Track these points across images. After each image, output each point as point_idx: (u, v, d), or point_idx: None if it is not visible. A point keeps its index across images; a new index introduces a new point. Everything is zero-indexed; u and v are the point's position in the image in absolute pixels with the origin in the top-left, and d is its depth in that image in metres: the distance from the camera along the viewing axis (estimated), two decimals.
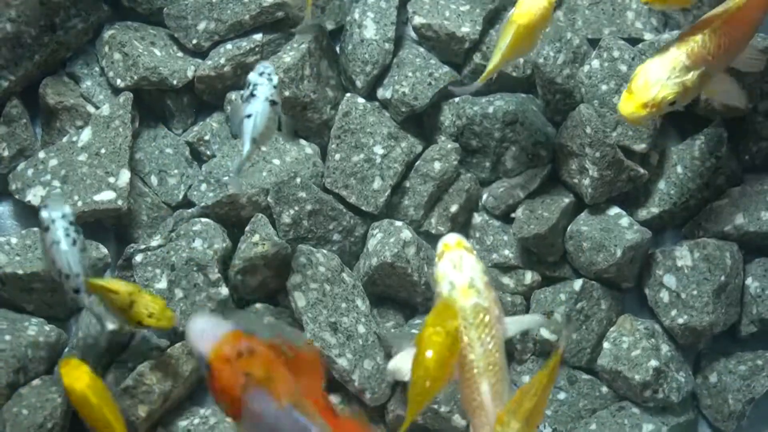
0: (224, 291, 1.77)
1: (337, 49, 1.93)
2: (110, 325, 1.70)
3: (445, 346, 1.43)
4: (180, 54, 1.91)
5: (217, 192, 1.80)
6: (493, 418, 1.46)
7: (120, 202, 1.78)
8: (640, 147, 1.81)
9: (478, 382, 1.48)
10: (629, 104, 1.58)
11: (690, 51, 1.60)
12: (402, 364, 1.54)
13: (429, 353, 1.42)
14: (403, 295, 1.83)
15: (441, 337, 1.43)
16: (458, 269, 1.53)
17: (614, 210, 1.82)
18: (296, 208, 1.79)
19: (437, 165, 1.83)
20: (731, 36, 1.62)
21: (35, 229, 1.80)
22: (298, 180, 1.79)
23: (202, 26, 1.88)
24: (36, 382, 1.72)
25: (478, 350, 1.50)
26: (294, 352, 1.36)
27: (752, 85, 1.81)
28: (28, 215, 1.85)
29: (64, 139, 1.82)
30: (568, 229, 1.82)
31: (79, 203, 1.77)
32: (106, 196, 1.78)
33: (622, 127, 1.79)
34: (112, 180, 1.79)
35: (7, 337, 1.72)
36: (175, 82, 1.86)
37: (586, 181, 1.79)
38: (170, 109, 1.90)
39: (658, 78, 1.59)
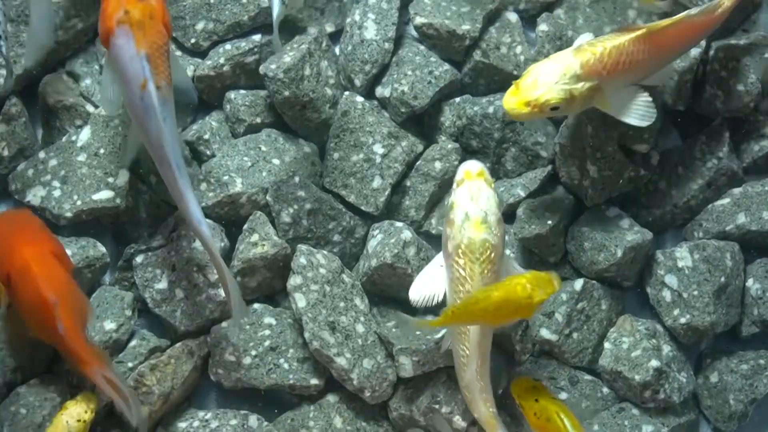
0: (223, 292, 1.77)
1: (337, 50, 1.93)
2: None
3: (517, 304, 1.52)
4: (179, 53, 1.91)
5: (217, 191, 1.80)
6: (482, 351, 1.58)
7: (118, 201, 1.78)
8: (641, 147, 1.80)
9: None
10: (512, 99, 1.61)
11: (585, 61, 1.61)
12: (425, 285, 1.64)
13: (507, 295, 1.51)
14: (403, 295, 1.82)
15: (526, 294, 1.51)
16: (475, 201, 1.57)
17: (614, 211, 1.82)
18: (295, 206, 1.79)
19: (438, 165, 1.83)
20: (635, 57, 1.63)
21: None
22: (297, 179, 1.79)
23: (200, 26, 1.88)
24: (34, 381, 1.72)
25: (477, 284, 1.56)
26: None
27: (753, 84, 1.81)
28: None
29: (64, 139, 1.82)
30: (570, 229, 1.81)
31: (78, 202, 1.77)
32: (105, 195, 1.78)
33: (623, 126, 1.78)
34: (111, 180, 1.79)
35: (4, 336, 1.72)
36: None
37: (586, 182, 1.78)
38: None
39: (546, 80, 1.60)
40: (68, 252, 1.76)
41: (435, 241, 1.86)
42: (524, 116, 1.62)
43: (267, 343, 1.76)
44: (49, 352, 1.76)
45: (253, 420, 1.75)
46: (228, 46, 1.88)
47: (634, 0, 1.89)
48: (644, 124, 1.68)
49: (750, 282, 1.79)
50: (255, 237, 1.77)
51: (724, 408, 1.77)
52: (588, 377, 1.80)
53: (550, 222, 1.78)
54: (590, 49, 1.62)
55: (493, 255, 1.56)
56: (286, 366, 1.75)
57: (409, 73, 1.85)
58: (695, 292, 1.76)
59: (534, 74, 1.61)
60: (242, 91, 1.88)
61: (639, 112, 1.67)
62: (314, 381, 1.75)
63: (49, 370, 1.77)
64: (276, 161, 1.84)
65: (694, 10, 1.65)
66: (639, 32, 1.63)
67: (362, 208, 1.83)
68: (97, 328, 1.74)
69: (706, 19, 1.67)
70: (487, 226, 1.56)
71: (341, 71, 1.90)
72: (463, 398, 1.66)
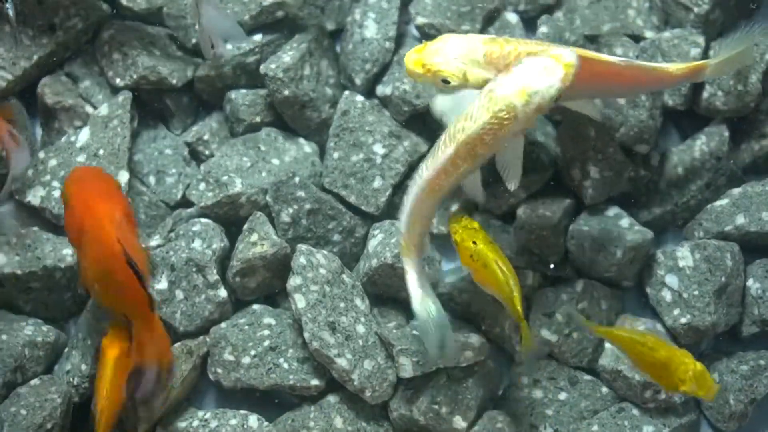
0: (222, 293, 1.77)
1: (338, 49, 1.93)
2: None
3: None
4: (179, 53, 1.91)
5: (216, 192, 1.80)
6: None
7: None
8: (641, 148, 1.80)
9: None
10: (414, 56, 1.61)
11: (489, 52, 1.60)
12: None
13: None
14: (403, 296, 1.82)
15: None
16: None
17: (614, 210, 1.82)
18: (295, 206, 1.79)
19: None
20: None
21: (35, 228, 1.80)
22: (297, 179, 1.79)
23: None
24: (35, 381, 1.72)
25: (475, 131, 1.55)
26: None
27: (753, 84, 1.81)
28: (28, 215, 1.85)
29: (63, 140, 1.83)
30: (570, 229, 1.81)
31: None
32: None
33: (624, 127, 1.78)
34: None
35: (4, 337, 1.72)
36: (174, 82, 1.86)
37: (587, 182, 1.78)
38: (170, 108, 1.90)
39: (449, 53, 1.61)
40: (68, 252, 1.77)
41: (436, 241, 1.86)
42: (416, 76, 1.62)
43: (266, 343, 1.76)
44: (50, 353, 1.77)
45: (253, 420, 1.75)
46: (228, 46, 1.87)
47: (633, 0, 1.89)
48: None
49: (750, 282, 1.79)
50: (254, 237, 1.77)
51: (724, 408, 1.77)
52: (588, 377, 1.80)
53: (550, 222, 1.78)
54: (502, 43, 1.61)
55: (511, 126, 1.54)
56: (285, 366, 1.75)
57: None
58: (696, 292, 1.76)
59: (443, 42, 1.61)
60: (243, 91, 1.88)
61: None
62: (314, 382, 1.75)
63: (49, 371, 1.78)
64: (275, 161, 1.84)
65: (638, 61, 1.66)
66: (558, 50, 1.60)
67: (363, 208, 1.83)
68: (97, 328, 1.74)
69: (641, 75, 1.65)
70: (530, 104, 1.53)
71: (342, 70, 1.90)
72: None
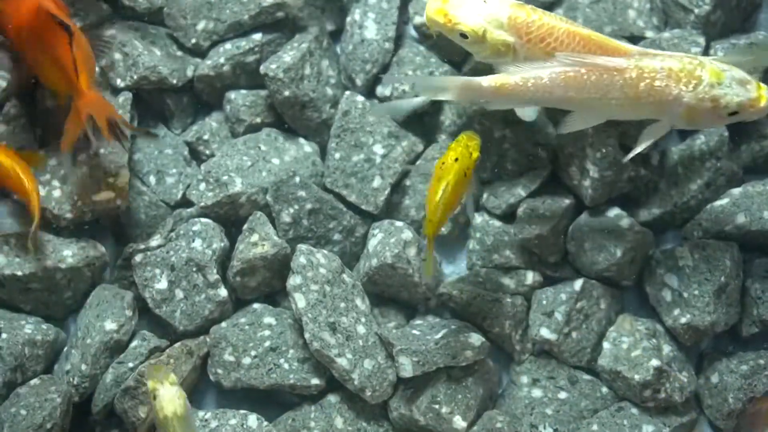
0: (223, 292, 1.77)
1: (338, 49, 1.93)
2: None
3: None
4: (179, 53, 1.91)
5: (216, 192, 1.80)
6: None
7: (119, 202, 1.78)
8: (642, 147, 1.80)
9: None
10: (436, 4, 1.62)
11: (514, 16, 1.62)
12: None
13: None
14: (404, 296, 1.82)
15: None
16: None
17: (615, 211, 1.82)
18: (296, 206, 1.79)
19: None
20: (560, 48, 1.62)
21: None
22: (297, 179, 1.79)
23: (201, 26, 1.88)
24: (35, 381, 1.72)
25: None
26: None
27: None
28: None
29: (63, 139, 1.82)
30: (570, 228, 1.82)
31: (79, 203, 1.77)
32: (105, 195, 1.78)
33: (623, 126, 1.78)
34: (111, 180, 1.79)
35: (3, 336, 1.72)
36: (174, 82, 1.86)
37: (587, 182, 1.78)
38: (170, 108, 1.90)
39: (473, 7, 1.61)
40: (68, 252, 1.77)
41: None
42: (435, 25, 1.63)
43: (267, 343, 1.76)
44: (49, 352, 1.77)
45: (253, 420, 1.75)
46: (228, 46, 1.88)
47: (634, 0, 1.89)
48: (526, 118, 1.72)
49: (750, 282, 1.79)
50: (255, 237, 1.77)
51: (723, 407, 1.77)
52: (587, 377, 1.80)
53: (550, 222, 1.78)
54: (528, 11, 1.62)
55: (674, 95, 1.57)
56: (286, 366, 1.75)
57: (410, 73, 1.85)
58: (695, 292, 1.76)
59: None
60: (242, 91, 1.88)
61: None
62: (315, 381, 1.75)
63: (49, 370, 1.78)
64: (275, 161, 1.84)
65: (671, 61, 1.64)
66: (585, 33, 1.63)
67: (362, 207, 1.83)
68: (97, 327, 1.75)
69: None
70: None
71: (342, 70, 1.90)
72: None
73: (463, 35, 1.62)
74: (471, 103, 1.77)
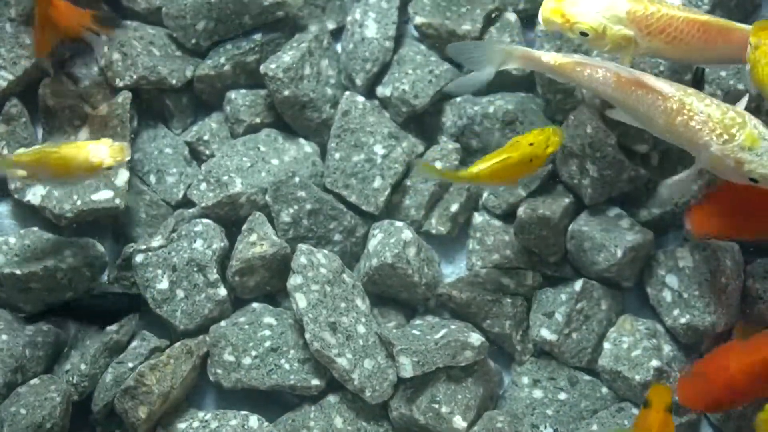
0: (222, 292, 1.77)
1: (338, 48, 1.93)
2: None
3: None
4: (179, 53, 1.91)
5: (216, 192, 1.80)
6: None
7: (118, 201, 1.78)
8: (641, 147, 1.80)
9: None
10: (551, 5, 1.61)
11: (633, 10, 1.61)
12: None
13: None
14: (403, 296, 1.82)
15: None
16: None
17: (614, 211, 1.82)
18: (295, 207, 1.79)
19: (438, 165, 1.83)
20: (681, 37, 1.62)
21: (34, 228, 1.80)
22: (297, 179, 1.79)
23: (201, 25, 1.88)
24: (35, 381, 1.72)
25: None
26: None
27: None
28: (28, 215, 1.85)
29: (63, 139, 1.82)
30: (570, 228, 1.81)
31: (79, 202, 1.78)
32: (105, 195, 1.78)
33: (623, 126, 1.78)
34: (111, 179, 1.79)
35: (4, 337, 1.72)
36: (174, 82, 1.86)
37: (586, 182, 1.78)
38: (169, 108, 1.90)
39: (590, 4, 1.61)
40: (68, 252, 1.77)
41: (435, 241, 1.86)
42: (552, 25, 1.62)
43: (267, 343, 1.76)
44: (50, 353, 1.77)
45: (254, 420, 1.75)
46: (228, 46, 1.88)
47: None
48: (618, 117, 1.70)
49: (750, 282, 1.79)
50: (254, 237, 1.77)
51: None
52: (587, 377, 1.80)
53: (551, 221, 1.78)
54: (646, 3, 1.62)
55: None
56: (287, 366, 1.75)
57: (410, 72, 1.85)
58: (696, 292, 1.76)
59: None
60: (242, 91, 1.88)
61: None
62: (315, 381, 1.75)
63: (49, 370, 1.78)
64: (275, 161, 1.84)
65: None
66: (703, 19, 1.63)
67: (363, 207, 1.83)
68: (97, 328, 1.75)
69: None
70: None
71: (342, 70, 1.90)
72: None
73: (584, 34, 1.62)
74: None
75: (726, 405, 1.67)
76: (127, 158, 1.68)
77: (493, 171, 1.63)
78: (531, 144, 1.63)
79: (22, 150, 1.67)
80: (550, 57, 1.65)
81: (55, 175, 1.66)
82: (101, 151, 1.64)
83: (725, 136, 1.53)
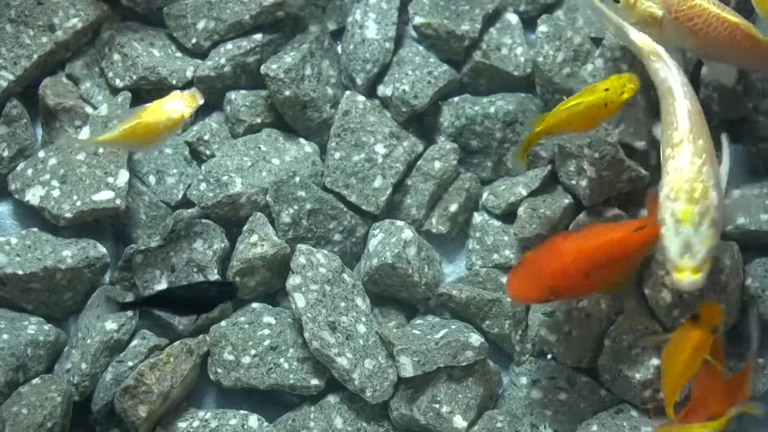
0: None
1: (339, 49, 1.93)
2: None
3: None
4: (179, 54, 1.91)
5: (217, 192, 1.80)
6: None
7: (118, 201, 1.78)
8: (640, 144, 1.80)
9: None
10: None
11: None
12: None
13: None
14: (404, 295, 1.82)
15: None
16: None
17: (613, 211, 1.82)
18: (295, 207, 1.79)
19: (437, 164, 1.84)
20: (710, 30, 1.64)
21: (35, 229, 1.80)
22: (297, 179, 1.79)
23: (201, 25, 1.88)
24: (36, 380, 1.72)
25: None
26: None
27: (753, 84, 1.81)
28: (28, 215, 1.85)
29: (63, 139, 1.83)
30: (569, 228, 1.82)
31: (78, 203, 1.77)
32: (105, 195, 1.78)
33: (624, 123, 1.78)
34: (111, 180, 1.79)
35: (5, 336, 1.72)
36: (174, 82, 1.86)
37: (584, 182, 1.78)
38: None
39: None
40: (68, 253, 1.77)
41: (435, 240, 1.87)
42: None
43: (267, 342, 1.76)
44: (51, 352, 1.77)
45: (253, 420, 1.75)
46: (229, 46, 1.88)
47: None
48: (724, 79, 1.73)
49: (749, 281, 1.79)
50: (254, 238, 1.78)
51: None
52: (585, 378, 1.80)
53: (551, 222, 1.78)
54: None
55: None
56: (286, 366, 1.75)
57: (410, 72, 1.85)
58: (695, 292, 1.76)
59: None
60: (243, 92, 1.88)
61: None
62: (315, 381, 1.75)
63: (50, 370, 1.78)
64: (276, 161, 1.84)
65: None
66: (733, 20, 1.64)
67: (363, 207, 1.83)
68: (98, 328, 1.75)
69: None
70: None
71: (343, 70, 1.91)
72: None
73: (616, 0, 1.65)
74: None
75: (556, 294, 1.61)
76: (201, 102, 1.73)
77: (569, 116, 1.62)
78: (606, 89, 1.63)
79: (106, 134, 1.68)
80: (637, 39, 1.65)
81: (144, 143, 1.70)
82: (177, 105, 1.69)
83: (671, 194, 1.52)
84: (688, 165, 1.51)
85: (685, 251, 1.46)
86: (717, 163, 1.57)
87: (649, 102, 1.79)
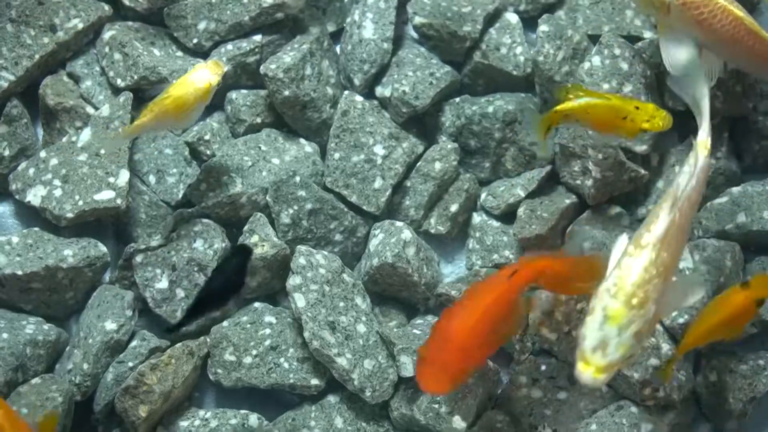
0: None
1: (338, 49, 1.93)
2: None
3: None
4: (180, 54, 1.91)
5: (217, 192, 1.81)
6: None
7: (119, 201, 1.78)
8: (641, 149, 1.81)
9: None
10: None
11: None
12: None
13: None
14: (404, 295, 1.83)
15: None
16: None
17: (615, 210, 1.82)
18: (295, 207, 1.79)
19: (437, 165, 1.84)
20: (720, 27, 1.65)
21: (36, 228, 1.81)
22: (298, 179, 1.79)
23: (202, 26, 1.89)
24: (36, 380, 1.72)
25: None
26: None
27: (752, 86, 1.81)
28: (29, 215, 1.85)
29: (64, 139, 1.83)
30: (570, 229, 1.82)
31: (80, 203, 1.78)
32: (106, 195, 1.78)
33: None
34: (111, 180, 1.79)
35: (5, 335, 1.72)
36: (174, 82, 1.86)
37: (589, 182, 1.78)
38: None
39: None
40: (69, 252, 1.77)
41: (434, 241, 1.87)
42: None
43: (267, 342, 1.76)
44: (51, 352, 1.77)
45: (254, 419, 1.76)
46: (229, 46, 1.88)
47: (632, 1, 1.89)
48: (673, 71, 1.70)
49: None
50: (255, 238, 1.78)
51: (723, 407, 1.77)
52: None
53: (550, 222, 1.78)
54: None
55: None
56: (286, 365, 1.75)
57: (410, 73, 1.85)
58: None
59: None
60: (243, 91, 1.88)
61: (680, 61, 1.70)
62: (315, 381, 1.75)
63: (50, 370, 1.78)
64: (276, 161, 1.84)
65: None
66: (739, 14, 1.65)
67: (364, 208, 1.84)
68: (98, 328, 1.75)
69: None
70: None
71: (341, 71, 1.91)
72: None
73: None
74: None
75: (469, 372, 1.61)
76: (226, 68, 1.75)
77: (590, 106, 1.62)
78: (637, 108, 1.62)
79: (140, 118, 1.71)
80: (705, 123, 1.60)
81: (177, 118, 1.72)
82: (204, 74, 1.71)
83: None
84: (641, 272, 1.43)
85: (599, 348, 1.40)
86: (670, 285, 1.49)
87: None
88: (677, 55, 1.70)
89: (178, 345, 1.76)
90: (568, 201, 1.82)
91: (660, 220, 1.47)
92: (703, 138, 1.56)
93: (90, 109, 1.86)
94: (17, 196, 1.82)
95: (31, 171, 1.82)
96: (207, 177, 1.82)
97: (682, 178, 1.53)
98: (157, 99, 1.70)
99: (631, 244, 1.47)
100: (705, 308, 1.63)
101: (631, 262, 1.44)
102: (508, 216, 1.84)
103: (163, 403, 1.72)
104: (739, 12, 1.65)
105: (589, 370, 1.39)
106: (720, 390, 1.78)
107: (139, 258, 1.79)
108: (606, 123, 1.64)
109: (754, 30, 1.65)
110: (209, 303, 1.67)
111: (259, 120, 1.88)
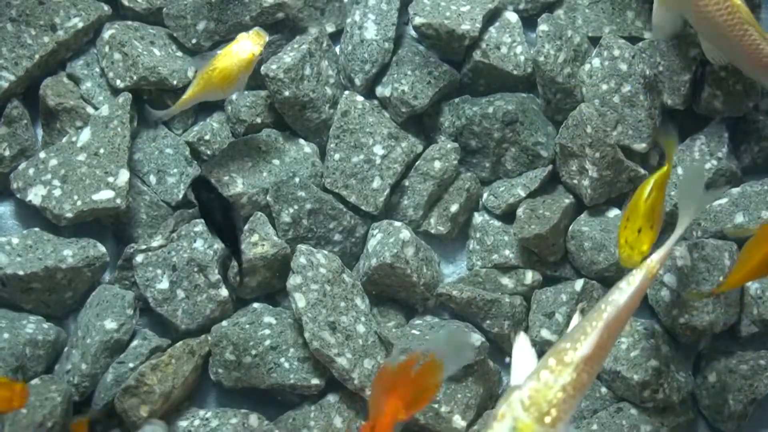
0: (224, 292, 1.78)
1: (337, 50, 1.93)
2: None
3: None
4: (179, 54, 1.91)
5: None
6: None
7: (119, 201, 1.78)
8: (640, 146, 1.81)
9: None
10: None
11: None
12: None
13: None
14: (402, 295, 1.83)
15: None
16: None
17: (614, 211, 1.82)
18: (295, 207, 1.79)
19: (437, 164, 1.84)
20: (709, 11, 1.64)
21: (36, 228, 1.81)
22: (297, 179, 1.79)
23: (201, 26, 1.88)
24: (35, 381, 1.73)
25: None
26: None
27: (753, 85, 1.81)
28: (29, 215, 1.85)
29: (64, 140, 1.83)
30: (570, 228, 1.82)
31: (79, 203, 1.78)
32: (105, 195, 1.78)
33: (622, 126, 1.79)
34: (111, 179, 1.79)
35: (6, 335, 1.73)
36: (174, 82, 1.86)
37: (586, 182, 1.79)
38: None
39: None
40: (68, 252, 1.77)
41: (433, 241, 1.87)
42: None
43: (267, 342, 1.76)
44: (50, 352, 1.77)
45: (254, 419, 1.76)
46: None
47: (633, 1, 1.89)
48: (654, 36, 1.75)
49: (748, 281, 1.79)
50: (255, 237, 1.78)
51: (723, 408, 1.77)
52: None
53: (550, 222, 1.78)
54: None
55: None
56: (286, 365, 1.75)
57: (409, 73, 1.85)
58: (694, 292, 1.76)
59: None
60: (244, 92, 1.88)
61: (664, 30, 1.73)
62: (315, 381, 1.76)
63: (49, 370, 1.78)
64: (276, 161, 1.84)
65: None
66: (744, 12, 1.65)
67: (362, 208, 1.84)
68: (97, 327, 1.75)
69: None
70: None
71: (341, 71, 1.91)
72: None
73: None
74: None
75: None
76: (267, 38, 1.78)
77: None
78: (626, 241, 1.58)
79: (187, 92, 1.76)
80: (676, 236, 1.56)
81: (223, 89, 1.76)
82: (247, 45, 1.76)
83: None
84: (559, 390, 1.36)
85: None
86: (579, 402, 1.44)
87: (652, 103, 1.79)
88: (664, 24, 1.74)
89: (179, 344, 1.76)
90: (567, 201, 1.82)
91: (589, 339, 1.40)
92: (655, 260, 1.50)
93: (90, 110, 1.86)
94: (19, 195, 1.82)
95: (31, 171, 1.81)
96: (207, 177, 1.82)
97: (619, 295, 1.46)
98: (203, 71, 1.75)
99: (553, 356, 1.39)
100: (745, 248, 1.60)
101: (550, 379, 1.37)
102: (509, 216, 1.84)
103: (164, 403, 1.72)
104: (743, 9, 1.64)
105: None
106: (720, 391, 1.78)
107: (139, 258, 1.79)
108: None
109: (748, 21, 1.64)
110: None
111: (259, 120, 1.88)
